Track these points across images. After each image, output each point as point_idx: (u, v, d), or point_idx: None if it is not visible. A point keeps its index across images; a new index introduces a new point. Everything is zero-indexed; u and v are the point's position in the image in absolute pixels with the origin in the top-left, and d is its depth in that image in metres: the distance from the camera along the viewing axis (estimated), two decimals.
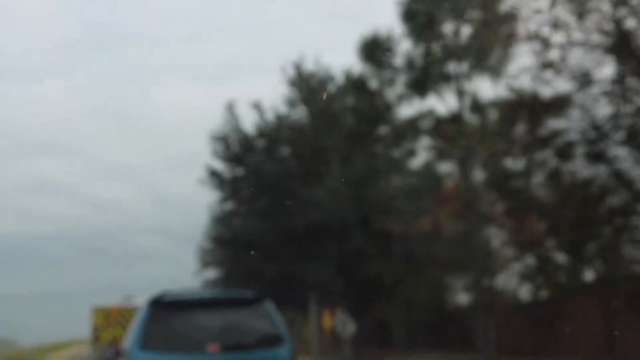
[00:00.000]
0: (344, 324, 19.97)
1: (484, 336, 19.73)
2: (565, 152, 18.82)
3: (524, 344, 28.84)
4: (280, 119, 37.53)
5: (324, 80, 37.69)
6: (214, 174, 37.75)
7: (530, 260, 25.55)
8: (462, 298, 30.36)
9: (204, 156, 35.95)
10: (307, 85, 37.59)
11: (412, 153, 20.72)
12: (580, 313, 25.65)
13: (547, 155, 19.36)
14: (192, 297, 10.84)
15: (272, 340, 10.58)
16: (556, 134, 19.18)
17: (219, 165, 38.61)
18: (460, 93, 20.81)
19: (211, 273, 46.30)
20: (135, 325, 10.67)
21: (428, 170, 19.36)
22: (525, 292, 32.33)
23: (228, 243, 38.64)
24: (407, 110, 20.48)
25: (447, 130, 19.88)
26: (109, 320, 26.62)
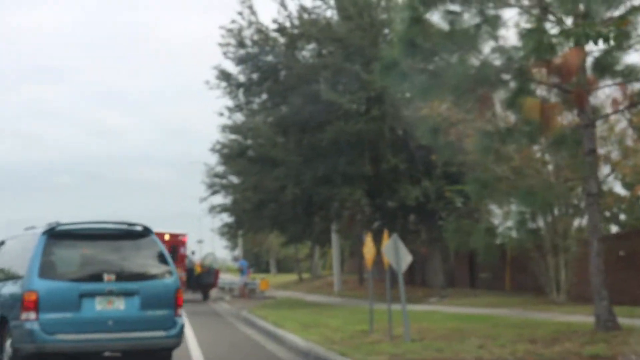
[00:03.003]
0: (397, 252, 14.24)
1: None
2: None
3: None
4: (305, 12, 31.19)
5: None
6: (224, 76, 31.54)
7: None
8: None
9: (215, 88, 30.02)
10: None
11: (498, 19, 14.60)
12: None
13: None
14: (83, 228, 11.77)
15: (161, 272, 11.90)
16: None
17: (232, 69, 32.48)
18: None
19: (219, 199, 40.71)
20: (29, 255, 11.28)
21: (538, 33, 13.22)
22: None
23: (238, 159, 32.73)
24: None
25: None
26: None
